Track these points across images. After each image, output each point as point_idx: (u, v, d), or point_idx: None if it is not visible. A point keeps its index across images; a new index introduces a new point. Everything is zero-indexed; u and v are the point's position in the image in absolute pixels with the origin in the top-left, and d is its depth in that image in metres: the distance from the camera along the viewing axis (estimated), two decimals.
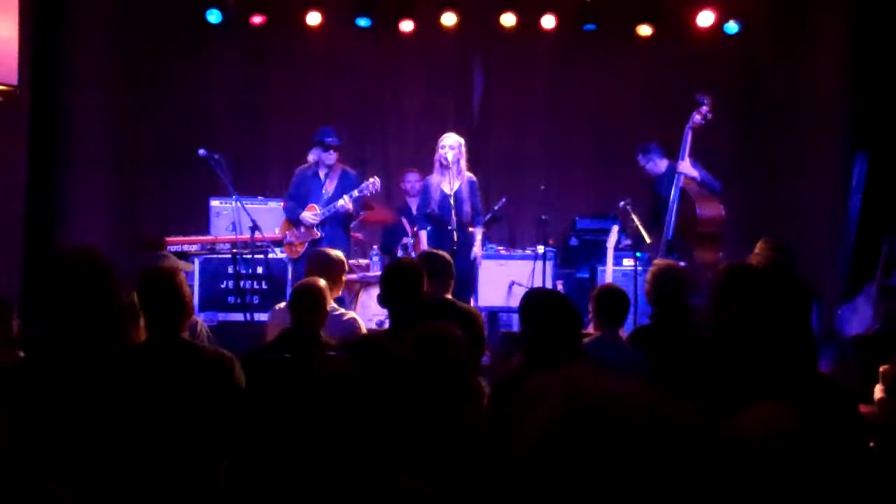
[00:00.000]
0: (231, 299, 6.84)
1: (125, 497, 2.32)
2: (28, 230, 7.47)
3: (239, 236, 6.83)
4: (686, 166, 6.82)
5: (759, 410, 1.20)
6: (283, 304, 4.77)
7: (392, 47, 9.10)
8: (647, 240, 6.85)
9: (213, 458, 2.89)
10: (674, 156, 6.96)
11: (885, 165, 7.80)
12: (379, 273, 6.30)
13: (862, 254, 7.57)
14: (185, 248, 7.04)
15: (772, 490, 1.11)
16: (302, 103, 8.94)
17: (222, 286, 6.91)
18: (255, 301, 6.72)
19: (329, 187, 6.97)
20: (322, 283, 4.27)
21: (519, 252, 7.55)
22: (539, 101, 9.33)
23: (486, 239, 7.52)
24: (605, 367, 3.11)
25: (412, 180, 8.26)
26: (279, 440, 1.75)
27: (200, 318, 5.03)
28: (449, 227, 6.68)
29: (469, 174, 6.92)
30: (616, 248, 7.10)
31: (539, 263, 6.94)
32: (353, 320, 4.69)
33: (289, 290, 6.13)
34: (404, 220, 7.83)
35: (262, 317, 6.01)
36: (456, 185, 6.79)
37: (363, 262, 7.54)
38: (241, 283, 6.72)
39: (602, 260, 7.13)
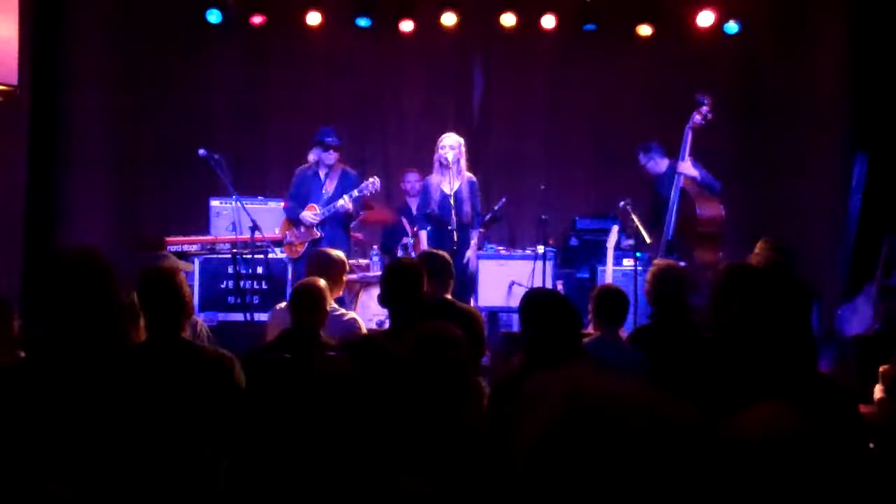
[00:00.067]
0: (231, 299, 6.84)
1: (125, 497, 2.32)
2: (28, 230, 7.47)
3: (239, 236, 6.83)
4: (686, 167, 6.82)
5: (759, 410, 1.20)
6: (283, 304, 4.77)
7: (392, 47, 9.10)
8: (648, 240, 6.84)
9: (213, 458, 2.89)
10: (674, 156, 6.97)
11: (885, 165, 7.80)
12: (379, 273, 6.30)
13: (862, 254, 7.57)
14: (185, 248, 7.04)
15: (772, 490, 1.11)
16: (302, 103, 8.94)
17: (222, 286, 6.90)
18: (255, 301, 6.72)
19: (329, 187, 6.97)
20: (322, 283, 4.27)
21: (519, 252, 7.54)
22: (539, 101, 9.33)
23: (486, 239, 7.52)
24: (605, 367, 3.11)
25: (412, 180, 8.26)
26: (279, 440, 1.75)
27: (200, 318, 5.03)
28: (449, 227, 6.69)
29: (469, 174, 6.92)
30: (616, 248, 7.10)
31: (539, 263, 6.93)
32: (354, 320, 4.69)
33: (289, 290, 6.12)
34: (404, 220, 7.83)
35: (262, 317, 6.01)
36: (456, 185, 6.79)
37: (363, 262, 7.54)
38: (241, 283, 6.71)
39: (602, 260, 7.13)
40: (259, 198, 7.91)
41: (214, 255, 7.05)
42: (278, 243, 6.99)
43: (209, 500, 2.71)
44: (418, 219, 7.03)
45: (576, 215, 8.46)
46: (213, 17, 8.65)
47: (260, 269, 6.88)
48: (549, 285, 6.74)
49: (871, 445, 3.28)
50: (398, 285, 3.90)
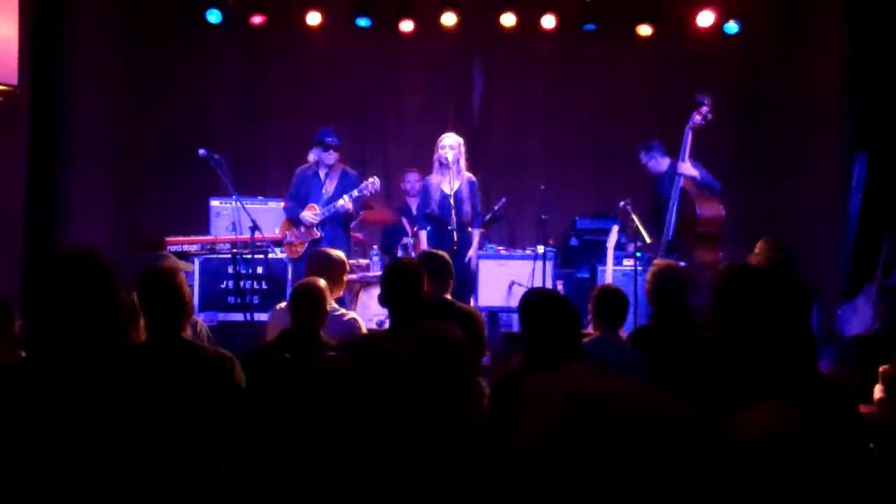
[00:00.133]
0: (231, 299, 6.84)
1: (125, 497, 2.32)
2: (28, 230, 7.47)
3: (239, 236, 6.83)
4: (686, 167, 6.82)
5: (759, 410, 1.20)
6: (283, 304, 4.77)
7: (392, 47, 9.10)
8: (648, 240, 6.85)
9: (213, 458, 2.89)
10: (674, 156, 6.97)
11: (885, 165, 7.80)
12: (379, 273, 6.30)
13: (862, 254, 7.57)
14: (185, 248, 7.04)
15: (772, 490, 1.11)
16: (302, 103, 8.94)
17: (222, 286, 6.91)
18: (255, 301, 6.72)
19: (329, 187, 6.97)
20: (322, 283, 4.27)
21: (519, 252, 7.54)
22: (539, 101, 9.33)
23: (486, 239, 7.52)
24: (604, 368, 3.11)
25: (412, 180, 8.26)
26: (279, 440, 1.75)
27: (200, 318, 5.03)
28: (449, 227, 6.69)
29: (469, 174, 6.93)
30: (617, 248, 7.10)
31: (539, 263, 6.93)
32: (354, 320, 4.68)
33: (289, 290, 6.12)
34: (404, 220, 7.83)
35: (262, 317, 6.01)
36: (456, 185, 6.79)
37: (363, 262, 7.54)
38: (241, 283, 6.72)
39: (602, 260, 7.13)
40: (259, 198, 7.92)
41: (214, 255, 7.05)
42: (278, 243, 7.00)
43: (209, 500, 2.71)
44: (418, 219, 7.03)
45: (576, 215, 8.46)
46: (213, 17, 8.65)
47: (260, 269, 6.88)
48: (549, 285, 6.75)
49: (871, 445, 3.28)
50: (398, 285, 3.91)
